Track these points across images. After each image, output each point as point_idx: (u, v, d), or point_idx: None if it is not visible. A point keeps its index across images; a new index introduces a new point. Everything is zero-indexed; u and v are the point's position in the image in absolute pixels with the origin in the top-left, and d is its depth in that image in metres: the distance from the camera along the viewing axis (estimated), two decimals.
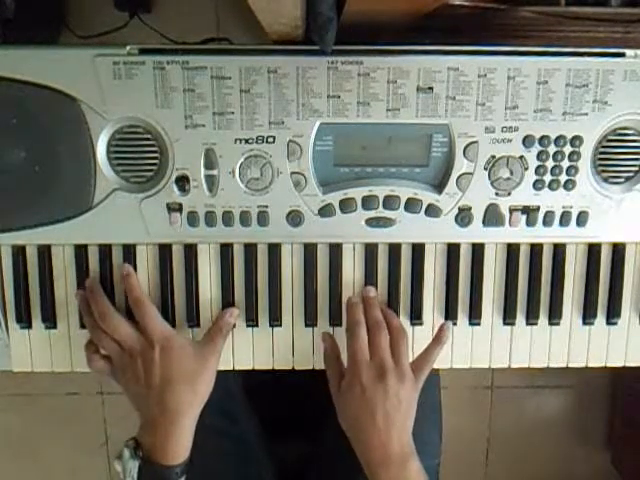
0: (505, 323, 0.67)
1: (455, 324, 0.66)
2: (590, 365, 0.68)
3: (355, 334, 0.62)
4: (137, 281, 0.63)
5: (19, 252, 0.63)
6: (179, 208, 0.62)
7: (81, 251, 0.64)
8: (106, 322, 0.61)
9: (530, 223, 0.63)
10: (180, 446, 0.60)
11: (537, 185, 0.62)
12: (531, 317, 0.66)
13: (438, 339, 0.63)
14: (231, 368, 0.66)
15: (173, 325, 0.65)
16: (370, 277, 0.65)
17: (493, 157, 0.61)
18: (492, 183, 0.62)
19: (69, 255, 0.64)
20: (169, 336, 0.61)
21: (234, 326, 0.65)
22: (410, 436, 0.61)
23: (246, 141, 0.60)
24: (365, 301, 0.64)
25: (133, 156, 0.61)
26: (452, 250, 0.65)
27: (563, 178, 0.62)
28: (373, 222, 0.63)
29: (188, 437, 0.61)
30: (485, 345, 0.67)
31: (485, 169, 0.62)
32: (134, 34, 1.08)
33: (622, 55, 0.60)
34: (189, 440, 0.61)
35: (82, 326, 0.65)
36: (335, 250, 0.65)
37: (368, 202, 0.62)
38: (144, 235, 0.63)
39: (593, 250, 0.66)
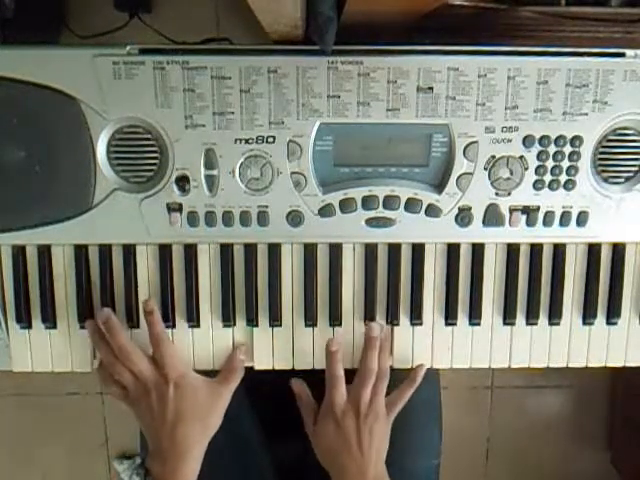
0: (505, 323, 0.67)
1: (455, 324, 0.66)
2: (590, 365, 0.68)
3: (334, 387, 0.63)
4: (159, 317, 0.63)
5: (19, 252, 0.63)
6: (179, 208, 0.62)
7: (81, 251, 0.64)
8: (124, 356, 0.61)
9: (530, 223, 0.63)
10: (188, 476, 0.61)
11: (537, 185, 0.62)
12: (531, 317, 0.66)
13: (412, 380, 0.66)
14: None
15: (173, 325, 0.65)
16: (370, 277, 0.65)
17: (493, 157, 0.61)
18: (492, 183, 0.62)
19: (69, 255, 0.64)
20: (184, 373, 0.62)
21: (234, 325, 0.65)
22: (384, 464, 0.64)
23: (246, 141, 0.60)
24: (367, 340, 0.64)
25: (133, 156, 0.61)
26: (452, 250, 0.65)
27: (563, 178, 0.62)
28: (373, 222, 0.63)
29: (196, 466, 0.62)
30: (485, 345, 0.67)
31: (485, 169, 0.62)
32: (134, 34, 1.08)
33: (622, 55, 0.60)
34: (197, 468, 0.62)
35: (82, 326, 0.65)
36: (335, 250, 0.65)
37: (368, 202, 0.62)
38: (144, 235, 0.63)
39: (593, 250, 0.66)
